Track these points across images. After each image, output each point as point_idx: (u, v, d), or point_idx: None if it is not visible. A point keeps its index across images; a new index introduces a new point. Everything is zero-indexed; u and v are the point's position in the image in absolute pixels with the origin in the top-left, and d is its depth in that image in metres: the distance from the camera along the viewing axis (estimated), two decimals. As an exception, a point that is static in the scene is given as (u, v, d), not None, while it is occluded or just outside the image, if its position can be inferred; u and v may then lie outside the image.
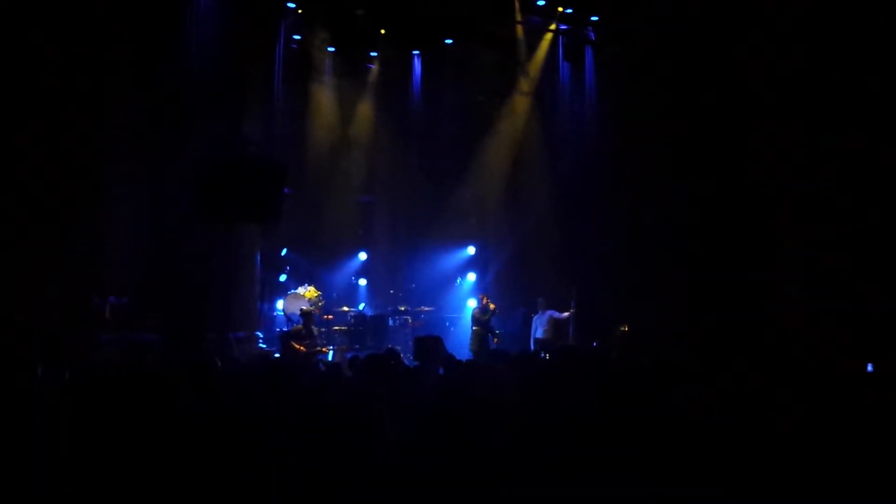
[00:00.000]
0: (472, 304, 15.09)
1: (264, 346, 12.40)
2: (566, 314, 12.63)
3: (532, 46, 14.95)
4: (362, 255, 15.71)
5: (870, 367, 6.44)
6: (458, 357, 6.43)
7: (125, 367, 5.46)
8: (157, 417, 3.32)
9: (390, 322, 14.21)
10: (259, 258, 13.33)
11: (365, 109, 15.46)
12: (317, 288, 13.63)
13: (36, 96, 9.81)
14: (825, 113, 10.17)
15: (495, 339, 12.82)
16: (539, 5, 14.28)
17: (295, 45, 14.28)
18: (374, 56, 15.33)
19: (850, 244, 9.94)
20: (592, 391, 4.46)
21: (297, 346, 10.58)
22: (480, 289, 15.15)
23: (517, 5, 14.34)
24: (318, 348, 11.22)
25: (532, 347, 12.52)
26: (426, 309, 14.58)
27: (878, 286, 9.49)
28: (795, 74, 10.58)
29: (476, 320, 12.88)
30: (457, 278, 15.77)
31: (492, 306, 12.94)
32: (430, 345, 5.49)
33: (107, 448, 3.13)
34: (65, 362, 5.30)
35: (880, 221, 9.67)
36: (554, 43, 14.86)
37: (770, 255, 11.32)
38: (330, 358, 11.99)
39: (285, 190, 12.15)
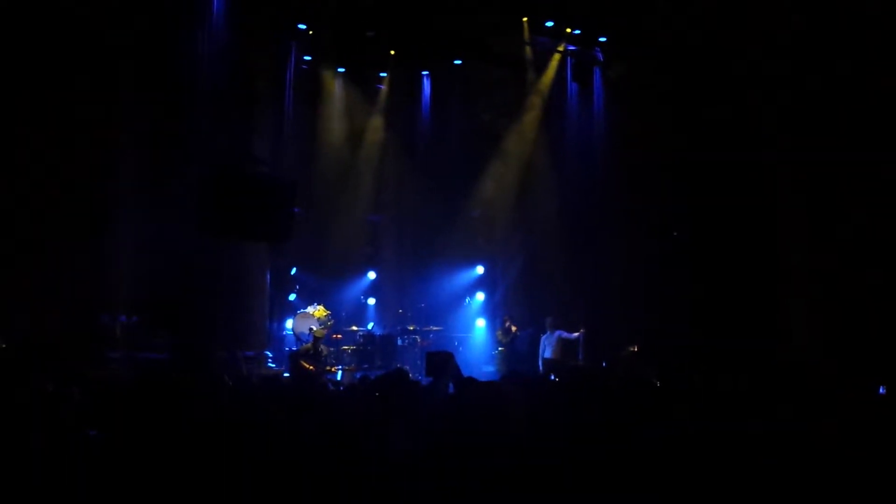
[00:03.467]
0: (480, 323, 15.12)
1: (273, 365, 12.40)
2: (576, 334, 12.59)
3: (540, 67, 15.02)
4: (371, 275, 15.71)
5: (882, 390, 6.37)
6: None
7: (135, 384, 5.46)
8: (166, 433, 3.33)
9: (399, 341, 14.17)
10: (269, 277, 13.36)
11: (374, 129, 15.52)
12: (326, 307, 13.63)
13: (44, 113, 9.91)
14: (829, 127, 10.20)
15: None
16: (547, 26, 14.37)
17: (305, 66, 14.39)
18: (383, 76, 15.43)
19: (854, 255, 9.91)
20: (599, 413, 4.44)
21: (307, 366, 10.57)
22: (490, 308, 15.16)
23: (526, 26, 14.45)
24: (327, 367, 11.21)
25: (540, 367, 12.49)
26: (435, 328, 14.54)
27: (885, 304, 9.44)
28: (800, 92, 10.62)
29: (499, 342, 13.18)
30: (466, 298, 15.74)
31: (513, 329, 13.29)
32: (441, 360, 5.47)
33: (116, 463, 3.14)
34: (75, 379, 5.32)
35: (886, 230, 9.65)
36: (562, 63, 14.92)
37: (775, 273, 11.31)
38: (339, 377, 11.96)
39: (294, 209, 12.22)
